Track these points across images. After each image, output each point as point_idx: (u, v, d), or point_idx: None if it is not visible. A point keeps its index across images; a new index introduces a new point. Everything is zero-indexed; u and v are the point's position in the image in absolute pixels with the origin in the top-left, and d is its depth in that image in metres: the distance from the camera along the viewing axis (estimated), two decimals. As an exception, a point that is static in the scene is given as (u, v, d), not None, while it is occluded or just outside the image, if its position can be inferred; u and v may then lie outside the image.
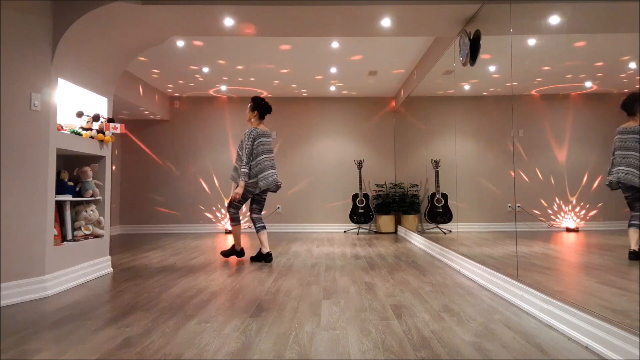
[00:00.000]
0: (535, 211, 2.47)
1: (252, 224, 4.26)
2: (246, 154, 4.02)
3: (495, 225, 3.19)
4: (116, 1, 2.97)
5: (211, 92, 6.99)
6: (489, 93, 3.19)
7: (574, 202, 2.17)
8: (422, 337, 1.96)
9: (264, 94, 7.07)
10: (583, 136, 2.11)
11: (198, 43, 4.70)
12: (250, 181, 4.05)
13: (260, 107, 4.19)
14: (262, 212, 4.40)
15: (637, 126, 1.63)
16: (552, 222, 2.34)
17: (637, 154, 1.62)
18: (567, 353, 1.76)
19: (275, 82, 6.34)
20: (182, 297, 2.72)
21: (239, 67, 5.61)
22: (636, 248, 1.75)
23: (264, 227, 4.20)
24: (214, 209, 7.18)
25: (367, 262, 4.07)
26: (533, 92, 2.47)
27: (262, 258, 4.12)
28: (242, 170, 4.01)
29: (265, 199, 4.30)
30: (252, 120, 4.20)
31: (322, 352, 1.78)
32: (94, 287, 3.08)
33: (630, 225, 1.72)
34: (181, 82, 6.33)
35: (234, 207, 4.16)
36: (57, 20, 2.93)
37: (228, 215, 4.29)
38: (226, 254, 4.29)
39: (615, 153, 1.73)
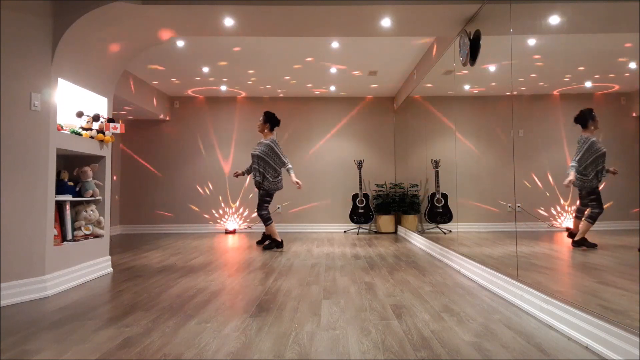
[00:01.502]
0: (536, 211, 2.47)
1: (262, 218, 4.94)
2: (283, 155, 4.86)
3: (495, 225, 3.19)
4: (116, 1, 2.97)
5: (211, 92, 6.99)
6: (488, 93, 3.19)
7: (574, 202, 2.17)
8: (422, 337, 1.96)
9: (264, 95, 7.07)
10: (583, 136, 2.11)
11: (198, 43, 4.70)
12: (275, 180, 4.83)
13: (272, 121, 5.00)
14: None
15: (586, 135, 2.05)
16: (552, 223, 2.34)
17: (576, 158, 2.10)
18: (567, 353, 1.76)
19: (276, 82, 6.34)
20: (182, 297, 2.72)
21: (240, 68, 5.61)
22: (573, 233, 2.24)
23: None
24: (212, 210, 7.19)
25: (367, 262, 4.07)
26: (533, 92, 2.47)
27: (277, 245, 4.97)
28: (289, 166, 4.85)
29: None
30: (266, 131, 4.96)
31: (322, 352, 1.78)
32: (94, 287, 3.08)
33: (576, 217, 2.19)
34: (181, 82, 6.34)
35: (264, 209, 4.82)
36: (57, 20, 2.93)
37: (261, 219, 4.89)
38: (269, 246, 4.93)
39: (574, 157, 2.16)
